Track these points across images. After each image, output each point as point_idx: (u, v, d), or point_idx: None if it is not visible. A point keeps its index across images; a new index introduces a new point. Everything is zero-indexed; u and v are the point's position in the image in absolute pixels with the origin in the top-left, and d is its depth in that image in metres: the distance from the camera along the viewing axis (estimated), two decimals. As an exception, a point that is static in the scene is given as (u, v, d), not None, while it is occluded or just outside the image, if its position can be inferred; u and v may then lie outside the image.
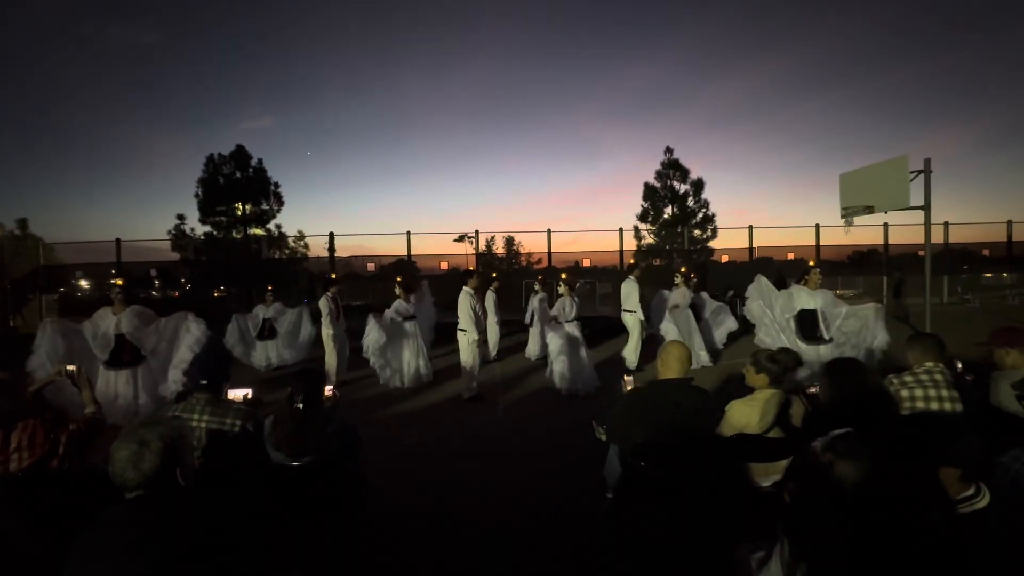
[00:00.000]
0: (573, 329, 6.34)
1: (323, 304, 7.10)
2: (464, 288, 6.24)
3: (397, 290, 7.09)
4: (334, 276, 8.81)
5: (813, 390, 2.59)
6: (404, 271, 15.40)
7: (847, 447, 1.47)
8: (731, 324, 8.03)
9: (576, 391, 6.08)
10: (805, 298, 5.97)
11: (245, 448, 2.43)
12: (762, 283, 6.37)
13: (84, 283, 16.82)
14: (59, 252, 17.84)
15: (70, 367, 2.64)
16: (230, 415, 2.46)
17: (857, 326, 5.71)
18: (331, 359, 7.09)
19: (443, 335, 7.11)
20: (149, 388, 5.23)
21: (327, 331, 7.03)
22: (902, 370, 2.76)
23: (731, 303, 11.40)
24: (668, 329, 7.25)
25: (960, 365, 2.81)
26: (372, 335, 6.73)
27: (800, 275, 6.33)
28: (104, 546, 1.31)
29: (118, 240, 15.19)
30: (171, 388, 5.14)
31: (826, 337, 5.79)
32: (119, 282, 5.89)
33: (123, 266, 15.19)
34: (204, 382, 2.46)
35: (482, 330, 6.39)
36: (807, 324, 5.93)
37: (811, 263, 6.46)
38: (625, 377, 3.17)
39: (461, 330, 6.15)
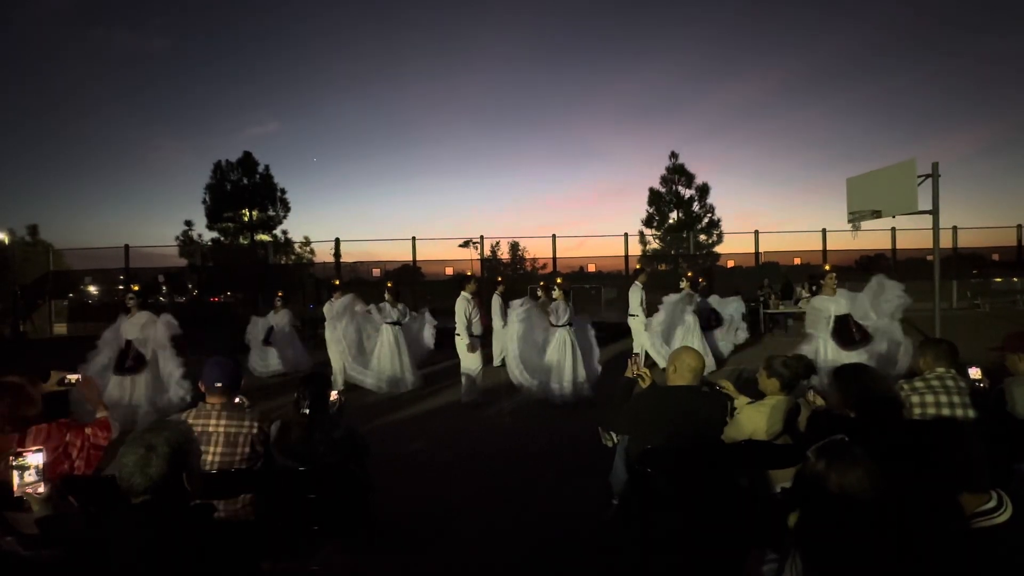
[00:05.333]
0: (566, 333, 6.27)
1: (327, 309, 7.14)
2: (462, 293, 6.30)
3: (387, 295, 7.10)
4: (337, 282, 8.86)
5: (821, 398, 2.56)
6: (409, 276, 15.44)
7: (838, 453, 1.43)
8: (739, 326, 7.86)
9: (571, 397, 5.99)
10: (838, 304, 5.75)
11: (266, 449, 2.48)
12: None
13: (93, 289, 16.97)
14: (68, 258, 18.03)
15: (71, 376, 2.60)
16: (247, 417, 2.47)
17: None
18: (336, 364, 7.11)
19: (446, 342, 7.13)
20: (151, 394, 5.30)
21: (331, 335, 7.05)
22: (913, 375, 2.72)
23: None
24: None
25: (979, 371, 2.76)
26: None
27: (814, 280, 6.24)
28: (110, 551, 1.31)
29: (127, 246, 15.32)
30: (163, 345, 5.49)
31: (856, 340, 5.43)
32: (135, 287, 5.95)
33: (131, 272, 15.31)
34: (219, 384, 2.47)
35: (478, 335, 6.37)
36: (844, 330, 5.74)
37: (827, 267, 6.37)
38: (633, 359, 2.98)
39: (457, 335, 6.18)
